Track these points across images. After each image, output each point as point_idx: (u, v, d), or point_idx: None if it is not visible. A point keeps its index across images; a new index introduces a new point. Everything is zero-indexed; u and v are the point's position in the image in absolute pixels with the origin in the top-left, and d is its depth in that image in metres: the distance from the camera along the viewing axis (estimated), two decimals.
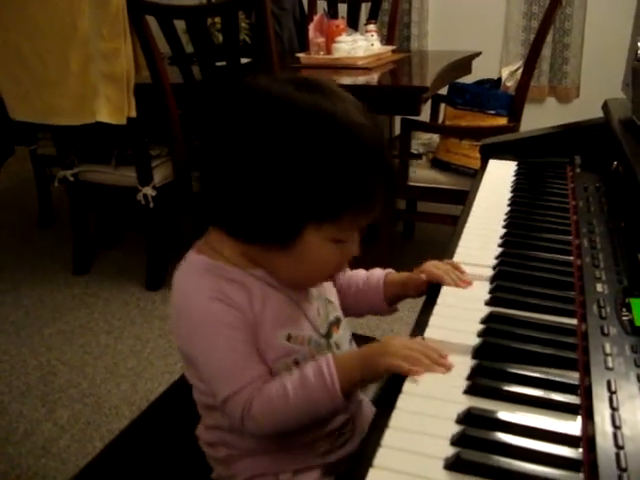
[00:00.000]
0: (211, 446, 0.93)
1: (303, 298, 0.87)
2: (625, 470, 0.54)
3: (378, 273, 1.01)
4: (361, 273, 1.02)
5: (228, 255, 0.83)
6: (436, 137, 2.73)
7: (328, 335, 0.89)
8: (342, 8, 3.42)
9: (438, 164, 2.59)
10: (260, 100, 0.77)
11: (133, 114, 2.32)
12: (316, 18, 2.83)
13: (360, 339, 1.01)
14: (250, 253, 0.82)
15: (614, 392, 0.63)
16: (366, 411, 0.97)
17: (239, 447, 0.89)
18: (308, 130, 0.73)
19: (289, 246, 0.77)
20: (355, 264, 0.95)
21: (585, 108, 2.00)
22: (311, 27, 2.80)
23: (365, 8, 3.54)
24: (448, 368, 0.72)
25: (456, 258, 0.99)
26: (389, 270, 1.02)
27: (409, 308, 2.52)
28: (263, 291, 0.82)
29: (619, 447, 0.57)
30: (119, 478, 1.01)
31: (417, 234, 3.12)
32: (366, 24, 2.97)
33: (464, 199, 1.26)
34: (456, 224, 1.14)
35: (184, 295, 0.83)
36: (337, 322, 0.92)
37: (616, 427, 0.59)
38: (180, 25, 2.35)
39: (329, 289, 0.94)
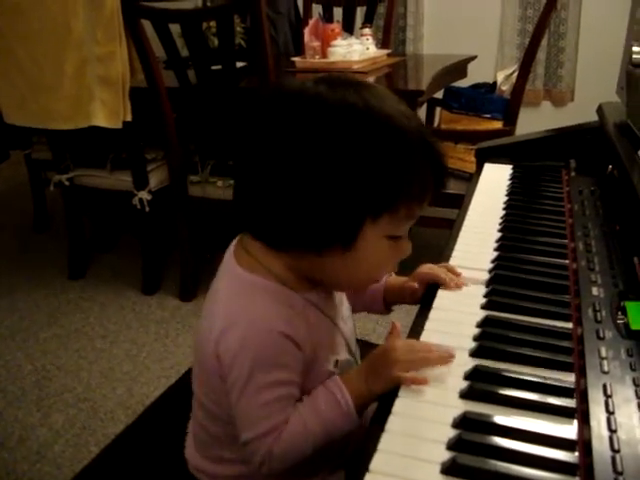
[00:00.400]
0: (210, 477, 0.91)
1: (340, 321, 0.87)
2: (621, 474, 0.54)
3: None
4: None
5: (279, 273, 0.78)
6: None
7: (355, 352, 0.91)
8: (337, 12, 3.43)
9: None
10: (294, 101, 0.74)
11: (128, 118, 2.32)
12: (311, 22, 2.83)
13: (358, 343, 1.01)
14: (297, 265, 0.78)
15: (610, 396, 0.63)
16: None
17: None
18: (346, 124, 0.71)
19: (350, 247, 0.74)
20: None
21: (580, 112, 2.00)
22: (306, 31, 2.80)
23: (360, 12, 3.55)
24: (452, 357, 0.73)
25: (452, 262, 0.99)
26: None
27: (405, 311, 2.51)
28: (317, 318, 0.81)
29: (615, 451, 0.57)
30: None
31: (412, 238, 3.11)
32: (361, 28, 2.97)
33: (459, 203, 1.26)
34: (452, 228, 1.14)
35: (249, 317, 0.75)
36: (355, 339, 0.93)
37: (612, 431, 0.59)
38: (175, 29, 2.35)
39: (349, 306, 0.94)
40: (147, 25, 2.30)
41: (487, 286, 0.90)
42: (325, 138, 0.70)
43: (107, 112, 2.33)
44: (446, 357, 0.73)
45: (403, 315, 2.35)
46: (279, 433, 0.76)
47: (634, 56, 1.08)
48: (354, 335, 0.92)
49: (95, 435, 1.86)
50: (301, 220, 0.72)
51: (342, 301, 0.90)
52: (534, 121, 2.38)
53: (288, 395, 0.77)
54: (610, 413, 0.61)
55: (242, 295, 0.78)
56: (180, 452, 0.98)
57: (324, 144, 0.70)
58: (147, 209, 2.54)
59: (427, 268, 0.95)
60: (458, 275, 0.93)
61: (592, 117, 1.42)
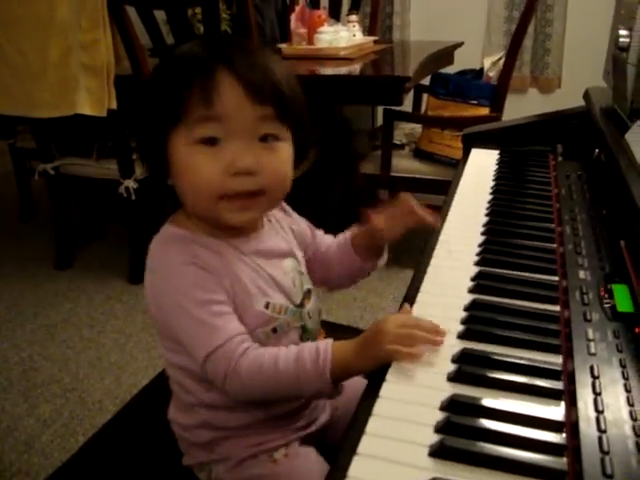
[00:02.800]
0: (189, 430, 0.92)
1: (279, 271, 0.90)
2: (607, 453, 0.54)
3: (346, 232, 1.03)
4: (335, 237, 1.04)
5: (200, 225, 0.85)
6: (419, 127, 2.73)
7: (302, 305, 0.92)
8: None
9: (420, 154, 2.60)
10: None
11: (113, 106, 2.30)
12: (298, 9, 2.82)
13: (341, 329, 1.01)
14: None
15: (597, 377, 0.64)
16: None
17: (225, 427, 0.88)
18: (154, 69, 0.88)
19: (171, 168, 0.82)
20: None
21: (567, 98, 2.00)
22: (293, 17, 2.78)
23: None
24: (443, 336, 0.73)
25: (439, 246, 0.99)
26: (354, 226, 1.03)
27: (393, 298, 2.53)
28: (239, 259, 0.85)
29: (602, 431, 0.57)
30: (102, 472, 1.00)
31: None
32: (348, 14, 2.96)
33: (446, 189, 1.25)
34: (439, 213, 1.14)
35: (157, 263, 0.85)
36: (309, 293, 0.95)
37: (599, 412, 0.59)
38: (160, 16, 2.33)
39: (302, 262, 0.96)
40: (132, 12, 2.28)
41: (474, 269, 0.90)
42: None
43: (92, 100, 2.31)
44: (437, 339, 0.73)
45: (390, 302, 2.36)
46: (245, 349, 0.78)
47: (620, 40, 1.08)
48: (301, 289, 0.93)
49: (83, 425, 1.85)
50: (141, 154, 0.90)
51: (285, 253, 0.93)
52: (521, 108, 2.37)
53: (224, 312, 0.80)
54: (597, 394, 0.61)
55: (159, 244, 0.87)
56: (166, 440, 0.98)
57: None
58: (133, 197, 2.52)
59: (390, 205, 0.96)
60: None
61: (579, 104, 1.42)
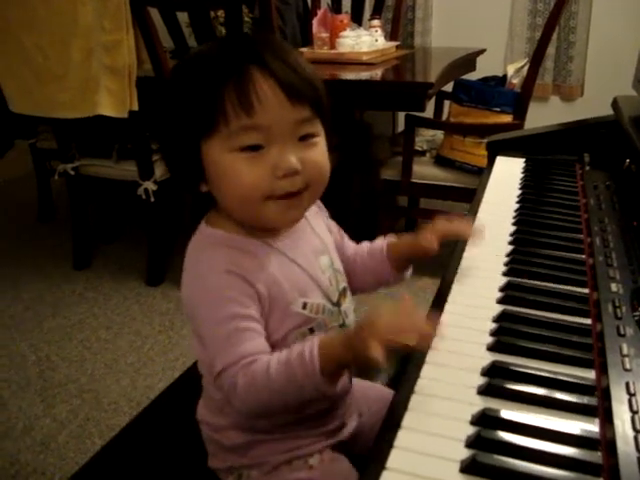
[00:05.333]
0: (220, 431, 0.91)
1: (316, 268, 0.88)
2: None
3: (380, 240, 1.01)
4: (364, 243, 1.02)
5: (236, 226, 0.84)
6: (440, 134, 2.72)
7: (338, 304, 0.90)
8: (346, 3, 3.40)
9: (442, 161, 2.58)
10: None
11: (135, 107, 2.30)
12: (320, 13, 2.81)
13: None
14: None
15: (633, 394, 0.62)
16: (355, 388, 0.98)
17: (255, 429, 0.87)
18: (175, 72, 0.85)
19: (206, 176, 0.81)
20: None
21: (589, 107, 1.98)
22: (315, 22, 2.78)
23: (369, 3, 3.52)
24: (434, 329, 0.72)
25: (465, 255, 0.97)
26: (390, 235, 1.01)
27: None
28: (278, 262, 0.84)
29: None
30: (121, 475, 0.99)
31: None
32: (370, 19, 2.95)
33: (467, 196, 1.24)
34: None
35: (198, 265, 0.83)
36: (344, 291, 0.93)
37: (637, 431, 0.57)
38: (183, 18, 2.33)
39: (337, 260, 0.94)
40: (155, 14, 2.28)
41: (503, 280, 0.88)
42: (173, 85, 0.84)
43: (113, 101, 2.32)
44: (426, 337, 0.72)
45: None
46: (246, 365, 0.76)
47: None
48: (337, 288, 0.91)
49: (99, 426, 1.85)
50: (168, 160, 0.87)
51: (321, 250, 0.91)
52: (542, 116, 2.34)
53: (248, 328, 0.79)
54: (634, 412, 0.59)
55: (197, 246, 0.85)
56: (185, 444, 0.97)
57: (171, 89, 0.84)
58: (152, 199, 2.52)
59: (446, 224, 0.94)
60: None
61: (601, 113, 1.40)
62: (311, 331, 0.85)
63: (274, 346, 0.81)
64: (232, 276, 0.79)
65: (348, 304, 0.93)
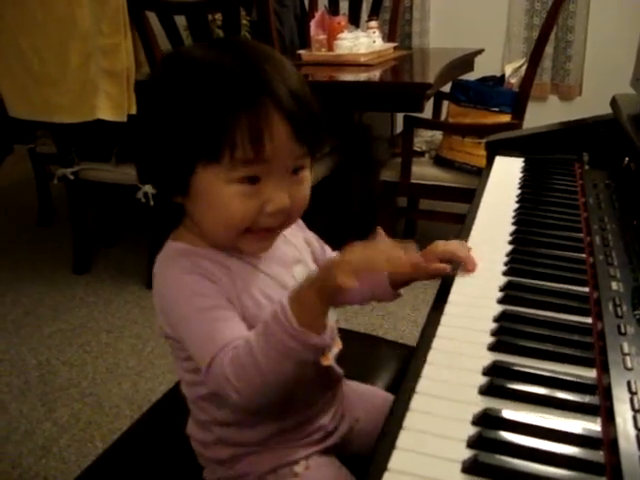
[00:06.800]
0: (207, 447, 0.91)
1: (289, 279, 0.87)
2: None
3: None
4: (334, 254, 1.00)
5: (203, 238, 0.83)
6: (439, 134, 2.72)
7: None
8: (343, 5, 3.41)
9: (441, 162, 2.58)
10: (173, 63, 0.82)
11: (133, 111, 2.31)
12: (317, 15, 2.81)
13: (358, 337, 0.99)
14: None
15: (635, 393, 0.62)
16: (345, 389, 0.99)
17: (240, 443, 0.87)
18: (170, 79, 0.79)
19: (189, 194, 0.79)
20: None
21: (587, 106, 1.98)
22: (312, 24, 2.78)
23: (366, 5, 3.53)
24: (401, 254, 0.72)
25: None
26: None
27: (412, 306, 2.51)
28: (247, 273, 0.83)
29: None
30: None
31: (419, 232, 3.10)
32: (368, 21, 2.95)
33: (467, 197, 1.24)
34: (461, 221, 1.12)
35: (161, 279, 0.83)
36: None
37: (639, 429, 0.57)
38: (181, 21, 2.33)
39: (314, 269, 0.92)
40: (153, 17, 2.28)
41: (503, 279, 0.88)
42: (157, 93, 0.81)
43: (112, 105, 2.32)
44: (394, 261, 0.71)
45: (410, 311, 2.34)
46: (230, 351, 0.74)
47: None
48: None
49: (100, 430, 1.85)
50: (151, 167, 0.82)
51: (296, 260, 0.91)
52: (541, 115, 2.34)
53: (221, 316, 0.78)
54: (636, 411, 0.59)
55: (161, 262, 0.84)
56: (186, 448, 0.97)
57: (161, 97, 0.80)
58: (152, 203, 2.52)
59: (442, 245, 0.94)
60: (469, 250, 0.94)
61: (600, 112, 1.40)
62: None
63: None
64: (199, 276, 0.79)
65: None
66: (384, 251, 0.72)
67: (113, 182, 2.65)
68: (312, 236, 1.00)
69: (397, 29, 3.41)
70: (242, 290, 0.81)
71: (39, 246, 3.15)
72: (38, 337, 2.36)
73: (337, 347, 0.95)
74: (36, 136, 3.02)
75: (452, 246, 0.93)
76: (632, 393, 0.62)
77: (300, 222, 0.97)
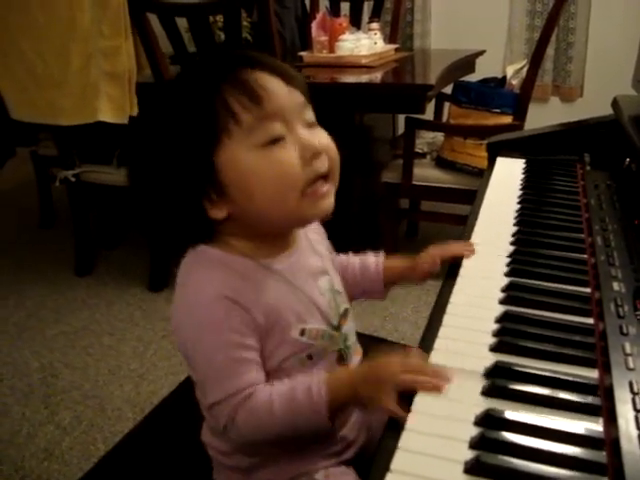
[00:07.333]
0: (226, 455, 0.89)
1: (315, 291, 0.86)
2: None
3: (372, 259, 1.01)
4: (354, 258, 1.02)
5: (236, 245, 0.81)
6: (440, 136, 2.72)
7: (338, 327, 0.88)
8: (344, 6, 3.41)
9: (442, 163, 2.58)
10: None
11: (134, 113, 2.31)
12: (319, 16, 2.81)
13: (363, 337, 1.00)
14: (239, 230, 0.81)
15: (637, 393, 0.62)
16: None
17: (259, 454, 0.86)
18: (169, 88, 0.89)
19: (226, 191, 0.77)
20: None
21: (589, 108, 1.97)
22: (314, 25, 2.78)
23: (367, 6, 3.53)
24: (447, 381, 0.67)
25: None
26: (381, 254, 1.01)
27: (413, 308, 2.51)
28: (277, 287, 0.81)
29: None
30: None
31: (421, 233, 3.10)
32: (369, 22, 2.94)
33: (468, 198, 1.24)
34: (463, 223, 1.12)
35: (192, 288, 0.79)
36: (345, 314, 0.91)
37: None
38: (182, 23, 2.34)
39: (337, 280, 0.93)
40: (154, 19, 2.29)
41: (505, 280, 0.88)
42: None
43: (113, 107, 2.32)
44: (441, 384, 0.67)
45: (411, 312, 2.34)
46: (245, 398, 0.76)
47: None
48: (338, 311, 0.89)
49: (103, 432, 1.85)
50: (166, 180, 0.80)
51: (321, 272, 0.90)
52: (542, 117, 2.34)
53: (245, 359, 0.77)
54: (638, 411, 0.59)
55: (189, 266, 0.82)
56: (189, 451, 0.97)
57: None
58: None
59: (441, 245, 0.96)
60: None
61: (601, 113, 1.40)
62: (309, 358, 0.83)
63: (269, 373, 0.80)
64: (228, 302, 0.76)
65: (349, 327, 0.91)
66: (426, 372, 0.69)
67: (114, 184, 2.65)
68: (328, 242, 1.00)
69: (398, 30, 3.40)
70: (268, 307, 0.80)
71: (41, 248, 3.15)
72: (40, 340, 2.36)
73: (358, 355, 0.94)
74: (38, 139, 3.03)
75: (450, 248, 0.96)
76: (634, 393, 0.62)
77: (322, 229, 0.98)
